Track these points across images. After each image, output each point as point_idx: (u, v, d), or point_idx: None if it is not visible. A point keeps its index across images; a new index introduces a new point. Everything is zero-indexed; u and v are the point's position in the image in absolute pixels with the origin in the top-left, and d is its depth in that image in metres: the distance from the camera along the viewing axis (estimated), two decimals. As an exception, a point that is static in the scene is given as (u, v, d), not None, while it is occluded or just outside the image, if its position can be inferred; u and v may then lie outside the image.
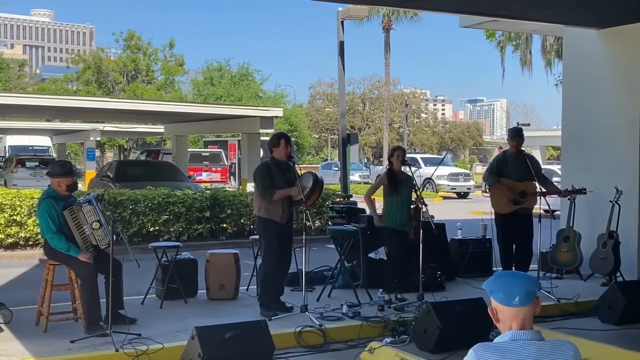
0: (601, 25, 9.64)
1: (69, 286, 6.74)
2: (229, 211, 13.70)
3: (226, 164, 33.13)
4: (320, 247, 11.43)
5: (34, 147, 34.23)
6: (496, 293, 2.66)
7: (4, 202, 12.18)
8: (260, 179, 7.18)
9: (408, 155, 9.05)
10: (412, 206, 8.13)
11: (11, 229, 12.16)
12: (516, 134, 8.94)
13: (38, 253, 10.14)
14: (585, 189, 8.91)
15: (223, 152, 33.69)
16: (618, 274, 8.88)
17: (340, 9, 15.83)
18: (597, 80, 9.80)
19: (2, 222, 12.08)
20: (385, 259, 8.42)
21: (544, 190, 8.70)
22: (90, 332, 6.19)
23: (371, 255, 8.95)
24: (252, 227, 13.04)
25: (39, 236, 10.42)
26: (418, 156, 35.13)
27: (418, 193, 8.01)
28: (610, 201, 8.84)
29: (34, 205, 11.78)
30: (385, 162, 8.64)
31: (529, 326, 2.64)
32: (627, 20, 9.25)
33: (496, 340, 2.65)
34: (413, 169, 8.31)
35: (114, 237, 6.33)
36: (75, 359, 5.67)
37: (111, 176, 17.88)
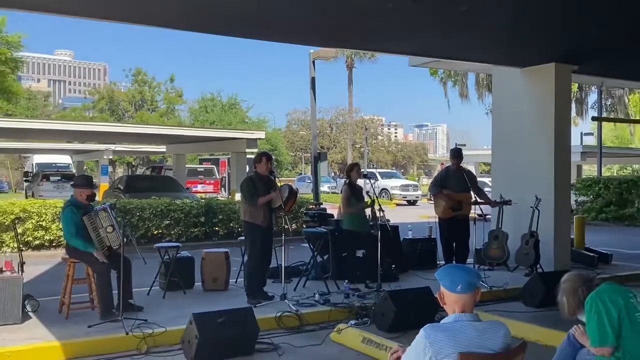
0: (523, 65, 9.79)
1: (86, 280, 6.62)
2: (220, 217, 13.58)
3: (218, 177, 32.92)
4: (297, 245, 11.35)
5: (57, 165, 33.62)
6: (444, 281, 2.70)
7: (32, 210, 11.97)
8: (247, 188, 7.15)
9: (368, 170, 9.17)
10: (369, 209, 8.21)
11: (38, 233, 11.93)
12: (457, 154, 9.05)
13: (60, 253, 9.97)
14: (510, 201, 9.01)
15: (215, 168, 33.48)
16: (538, 266, 8.98)
17: (311, 50, 15.86)
18: (519, 110, 9.90)
19: (30, 227, 11.86)
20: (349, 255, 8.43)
21: (477, 199, 8.81)
22: (104, 318, 6.09)
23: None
24: (240, 230, 12.94)
25: (62, 238, 10.25)
26: (376, 171, 35.38)
27: (375, 198, 7.99)
28: (531, 207, 8.94)
29: (57, 213, 11.58)
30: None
31: (469, 310, 2.66)
32: (543, 61, 9.42)
33: (442, 321, 2.67)
34: (372, 181, 8.33)
35: (125, 240, 6.25)
36: (92, 342, 5.56)
37: (122, 188, 17.66)
